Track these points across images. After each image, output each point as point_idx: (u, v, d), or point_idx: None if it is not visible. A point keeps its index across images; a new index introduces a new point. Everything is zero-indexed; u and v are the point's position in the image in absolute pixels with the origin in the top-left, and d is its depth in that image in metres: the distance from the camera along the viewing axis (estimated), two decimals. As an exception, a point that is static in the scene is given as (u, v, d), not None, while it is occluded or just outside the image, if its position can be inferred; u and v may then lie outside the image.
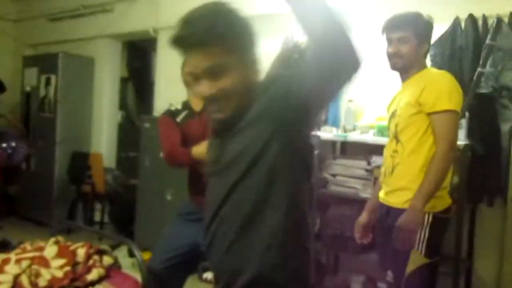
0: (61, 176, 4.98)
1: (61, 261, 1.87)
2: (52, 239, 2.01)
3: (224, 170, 1.18)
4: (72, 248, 1.96)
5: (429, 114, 1.88)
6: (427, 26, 2.04)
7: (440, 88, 1.89)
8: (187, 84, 2.02)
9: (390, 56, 2.04)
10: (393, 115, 2.06)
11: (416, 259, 1.86)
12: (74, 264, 1.88)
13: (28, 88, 5.37)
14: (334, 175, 3.10)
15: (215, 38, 1.11)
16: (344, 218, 2.89)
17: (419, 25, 1.99)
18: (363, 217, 2.20)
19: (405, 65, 2.02)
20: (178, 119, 2.36)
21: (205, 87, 1.13)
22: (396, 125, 2.01)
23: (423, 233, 1.86)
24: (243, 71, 1.15)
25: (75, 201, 5.01)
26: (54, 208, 4.95)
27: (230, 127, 1.16)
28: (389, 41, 2.04)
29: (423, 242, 1.86)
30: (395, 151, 2.00)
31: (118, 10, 4.88)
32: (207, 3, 1.18)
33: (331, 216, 3.03)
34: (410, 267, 1.87)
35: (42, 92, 5.15)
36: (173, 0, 4.35)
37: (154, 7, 4.55)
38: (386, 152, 2.09)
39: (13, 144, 4.86)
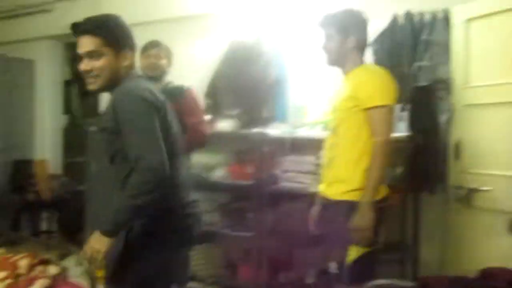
0: (3, 186, 4.73)
1: (1, 274, 1.79)
2: (-9, 252, 1.91)
3: None
4: (13, 259, 1.88)
5: (364, 109, 1.94)
6: (351, 20, 2.09)
7: (374, 84, 1.96)
8: None
9: (323, 52, 2.12)
10: (333, 109, 2.11)
11: (356, 249, 1.92)
12: (16, 276, 1.79)
13: (-39, 94, 5.07)
14: (285, 171, 3.14)
15: (98, 30, 1.67)
16: (295, 213, 2.93)
17: (342, 21, 2.06)
18: (315, 210, 2.24)
19: (333, 61, 2.10)
20: None
21: (84, 64, 1.69)
22: (334, 119, 2.07)
23: None
24: (113, 60, 1.68)
25: (19, 211, 4.77)
26: (-4, 218, 4.70)
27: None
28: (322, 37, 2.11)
29: None
30: (333, 144, 2.06)
31: (58, 10, 4.69)
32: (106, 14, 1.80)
33: (283, 212, 3.06)
34: (351, 256, 1.92)
35: (-23, 98, 4.88)
36: (114, 0, 4.27)
37: (96, 7, 4.41)
38: (326, 145, 2.15)
39: None
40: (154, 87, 1.74)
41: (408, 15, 2.85)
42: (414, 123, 2.77)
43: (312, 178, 3.00)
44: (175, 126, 1.75)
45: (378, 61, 2.94)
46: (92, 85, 1.69)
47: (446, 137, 2.66)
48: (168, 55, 2.82)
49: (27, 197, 4.67)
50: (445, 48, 2.68)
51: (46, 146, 5.03)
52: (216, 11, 3.66)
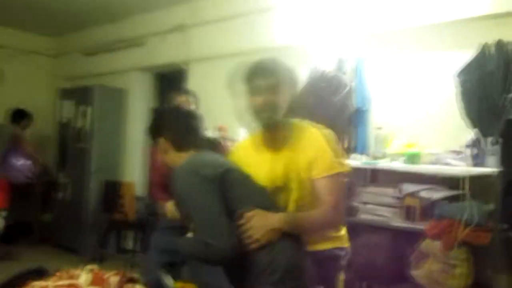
0: (94, 205, 5.10)
1: (95, 289, 1.91)
2: (87, 267, 2.05)
3: None
4: (105, 276, 2.00)
5: None
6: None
7: None
8: None
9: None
10: None
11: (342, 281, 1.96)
12: (107, 292, 1.90)
13: (64, 120, 5.58)
14: (364, 203, 3.07)
15: None
16: (374, 246, 2.85)
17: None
18: None
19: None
20: None
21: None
22: None
23: (344, 262, 1.94)
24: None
25: (107, 230, 5.10)
26: (88, 236, 5.05)
27: None
28: None
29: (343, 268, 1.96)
30: None
31: (151, 43, 5.07)
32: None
33: (361, 245, 2.98)
34: None
35: (78, 123, 5.35)
36: (202, 34, 4.53)
37: (185, 40, 4.71)
38: None
39: (21, 162, 4.97)
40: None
41: (499, 44, 2.72)
42: (506, 158, 2.60)
43: (393, 212, 2.92)
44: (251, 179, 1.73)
45: (466, 92, 2.83)
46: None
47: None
48: (196, 101, 2.95)
49: (115, 217, 4.99)
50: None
51: (134, 169, 5.35)
52: (300, 42, 3.74)
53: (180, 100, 2.78)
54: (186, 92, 2.92)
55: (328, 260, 1.88)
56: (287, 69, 1.85)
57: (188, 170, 1.66)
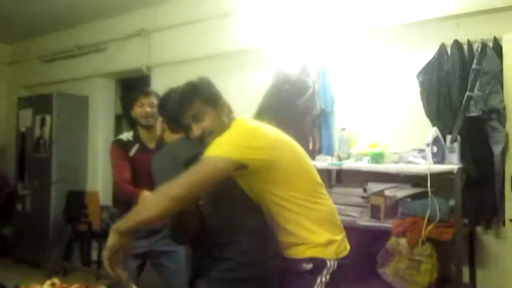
0: (57, 216, 4.93)
1: (57, 304, 1.83)
2: (48, 282, 1.97)
3: None
4: (67, 290, 1.93)
5: None
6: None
7: None
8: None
9: None
10: None
11: None
12: (70, 306, 1.84)
13: (23, 129, 5.38)
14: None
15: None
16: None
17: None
18: None
19: None
20: (131, 153, 2.54)
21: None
22: None
23: (324, 278, 1.60)
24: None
25: (72, 241, 4.94)
26: (50, 248, 4.88)
27: None
28: None
29: (323, 286, 1.60)
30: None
31: (111, 49, 4.96)
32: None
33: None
34: None
35: (37, 132, 5.17)
36: (164, 38, 4.47)
37: (146, 45, 4.63)
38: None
39: None
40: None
41: (456, 44, 2.81)
42: (466, 155, 2.68)
43: (360, 211, 2.95)
44: None
45: (426, 92, 2.90)
46: None
47: (500, 168, 2.55)
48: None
49: (79, 228, 4.84)
50: (496, 77, 2.60)
51: (98, 178, 5.22)
52: (263, 45, 3.75)
53: (145, 102, 2.63)
54: (151, 93, 2.73)
55: (289, 275, 1.64)
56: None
57: (164, 151, 1.87)
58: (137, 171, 2.48)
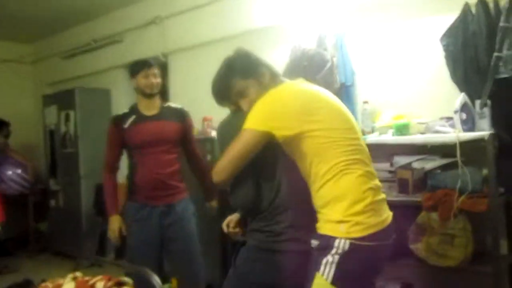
0: (88, 210, 5.01)
1: (80, 297, 1.83)
2: (70, 275, 1.98)
3: None
4: (90, 282, 1.92)
5: None
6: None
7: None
8: None
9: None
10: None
11: (320, 284, 1.53)
12: (93, 299, 1.83)
13: (52, 126, 5.47)
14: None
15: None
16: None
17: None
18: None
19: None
20: (126, 125, 2.70)
21: None
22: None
23: (331, 257, 1.52)
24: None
25: (104, 233, 5.01)
26: (84, 241, 4.98)
27: None
28: None
29: (331, 266, 1.52)
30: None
31: (128, 39, 4.95)
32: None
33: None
34: None
35: (63, 128, 5.24)
36: (179, 24, 4.41)
37: (161, 33, 4.59)
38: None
39: (10, 172, 4.91)
40: None
41: (481, 2, 2.61)
42: (498, 120, 2.51)
43: (388, 186, 2.83)
44: None
45: (451, 55, 2.73)
46: None
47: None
48: (162, 73, 2.90)
49: (110, 220, 4.90)
50: (527, 33, 2.41)
51: (124, 168, 5.24)
52: (280, 22, 3.64)
53: (150, 72, 2.68)
54: (153, 64, 2.76)
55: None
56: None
57: (227, 120, 1.89)
58: (127, 141, 2.72)
